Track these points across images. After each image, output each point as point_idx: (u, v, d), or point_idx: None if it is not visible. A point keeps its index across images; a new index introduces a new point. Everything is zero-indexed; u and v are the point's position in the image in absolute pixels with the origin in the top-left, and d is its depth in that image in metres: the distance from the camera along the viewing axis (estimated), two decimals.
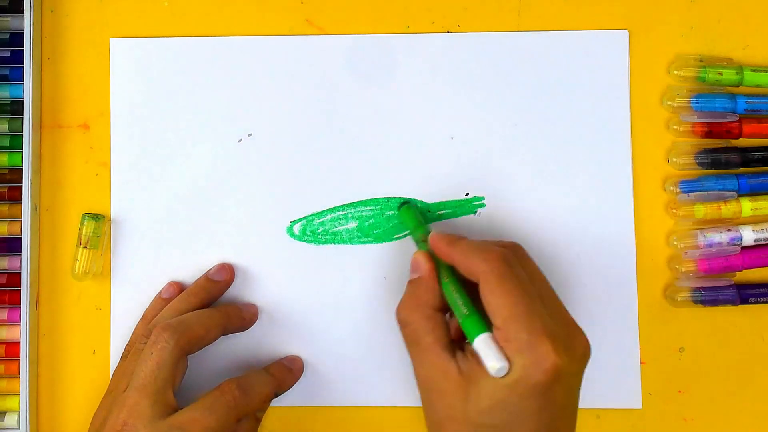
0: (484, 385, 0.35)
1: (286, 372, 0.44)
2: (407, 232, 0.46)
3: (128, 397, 0.39)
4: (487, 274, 0.36)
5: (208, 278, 0.45)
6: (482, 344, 0.36)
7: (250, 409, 0.41)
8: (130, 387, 0.39)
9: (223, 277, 0.45)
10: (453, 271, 0.39)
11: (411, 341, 0.38)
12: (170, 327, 0.40)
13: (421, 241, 0.42)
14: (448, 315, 0.39)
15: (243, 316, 0.45)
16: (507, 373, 0.35)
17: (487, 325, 0.36)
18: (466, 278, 0.38)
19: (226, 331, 0.43)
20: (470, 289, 0.38)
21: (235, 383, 0.40)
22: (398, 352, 0.46)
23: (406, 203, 0.45)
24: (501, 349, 0.35)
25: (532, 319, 0.35)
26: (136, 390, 0.39)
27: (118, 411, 0.39)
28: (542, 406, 0.35)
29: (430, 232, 0.42)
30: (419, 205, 0.46)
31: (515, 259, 0.38)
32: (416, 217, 0.44)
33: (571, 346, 0.36)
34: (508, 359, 0.35)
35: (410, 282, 0.40)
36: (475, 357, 0.36)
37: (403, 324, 0.39)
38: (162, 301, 0.45)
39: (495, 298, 0.36)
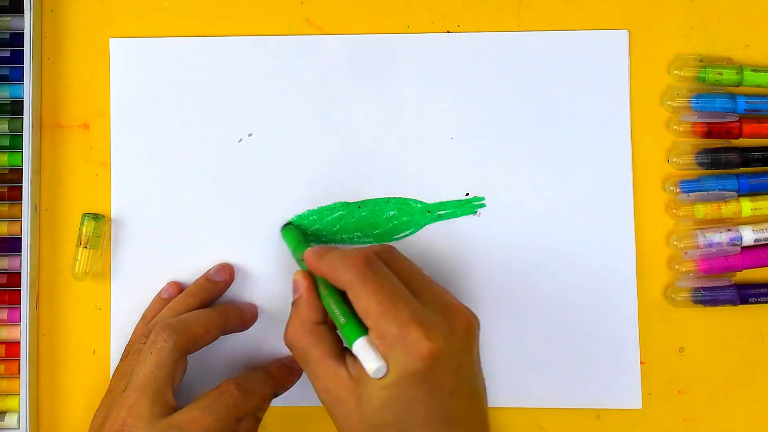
0: (372, 386, 0.35)
1: (285, 372, 0.44)
2: (406, 232, 0.46)
3: (128, 397, 0.39)
4: (351, 281, 0.37)
5: (207, 278, 0.45)
6: (359, 348, 0.36)
7: (249, 408, 0.41)
8: (130, 386, 0.39)
9: (222, 277, 0.45)
10: (329, 284, 0.39)
11: (302, 359, 0.39)
12: (169, 327, 0.40)
13: (301, 260, 0.42)
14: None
15: (243, 316, 0.45)
16: (387, 371, 0.35)
17: (364, 329, 0.36)
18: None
19: (226, 330, 0.43)
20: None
21: (234, 383, 0.40)
22: None
23: (287, 225, 0.46)
24: (377, 349, 0.35)
25: (398, 311, 0.35)
26: (135, 389, 0.39)
27: (118, 411, 0.39)
28: (428, 393, 0.35)
29: None
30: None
31: (377, 260, 0.38)
32: (296, 237, 0.44)
33: (449, 327, 0.36)
34: (385, 357, 0.35)
35: (292, 303, 0.40)
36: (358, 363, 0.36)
37: (291, 346, 0.39)
38: (162, 301, 0.45)
39: (362, 301, 0.36)
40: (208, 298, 0.45)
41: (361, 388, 0.36)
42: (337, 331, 0.39)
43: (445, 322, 0.36)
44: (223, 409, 0.39)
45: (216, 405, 0.39)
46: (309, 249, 0.40)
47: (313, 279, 0.40)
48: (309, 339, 0.38)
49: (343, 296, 0.38)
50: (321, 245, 0.41)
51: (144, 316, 0.45)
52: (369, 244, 0.41)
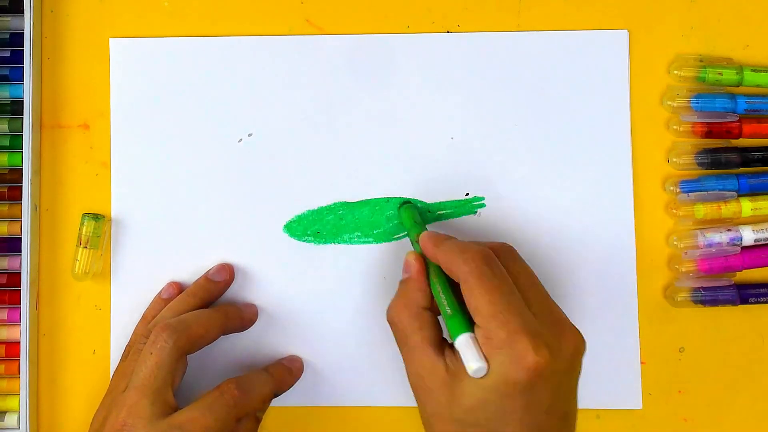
0: (468, 383, 0.35)
1: (285, 372, 0.44)
2: (405, 232, 0.46)
3: (128, 397, 0.39)
4: (467, 274, 0.36)
5: (207, 278, 0.45)
6: (463, 344, 0.36)
7: (249, 409, 0.41)
8: (130, 387, 0.39)
9: (222, 277, 0.45)
10: (442, 271, 0.39)
11: (400, 340, 0.39)
12: (169, 327, 0.40)
13: (415, 242, 0.42)
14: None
15: (243, 316, 0.45)
16: (487, 373, 0.35)
17: (471, 325, 0.36)
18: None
19: (226, 330, 0.43)
20: (459, 289, 0.38)
21: (234, 383, 0.40)
22: (398, 352, 0.46)
23: (406, 203, 0.45)
24: (481, 349, 0.35)
25: (511, 316, 0.35)
26: (135, 390, 0.39)
27: (118, 411, 0.39)
28: (525, 406, 0.35)
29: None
30: (419, 205, 0.46)
31: (495, 259, 0.38)
32: (413, 217, 0.44)
33: (557, 345, 0.35)
34: (487, 359, 0.35)
35: (401, 282, 0.40)
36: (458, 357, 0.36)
37: (393, 323, 0.39)
38: (162, 301, 0.45)
39: (474, 298, 0.36)
40: (208, 298, 0.45)
41: (456, 383, 0.36)
42: (440, 319, 0.38)
43: (554, 339, 0.36)
44: (223, 409, 0.39)
45: (216, 405, 0.39)
46: (426, 233, 0.41)
47: (424, 262, 0.40)
48: (412, 322, 0.38)
49: (452, 287, 0.38)
50: (437, 232, 0.41)
51: (144, 317, 0.45)
52: (484, 241, 0.40)
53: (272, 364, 0.44)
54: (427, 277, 0.40)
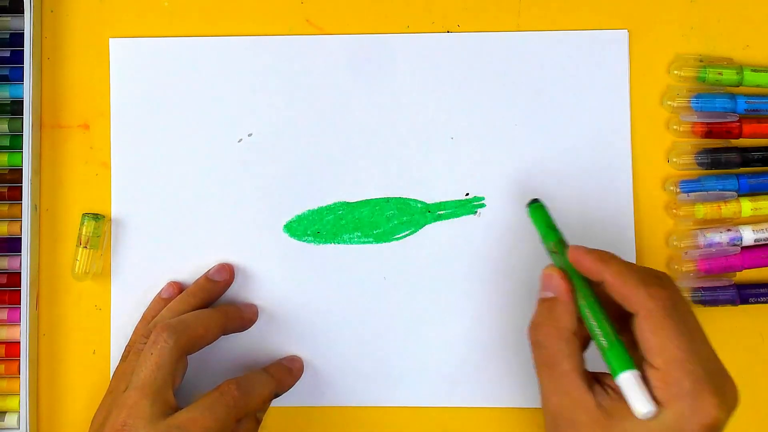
0: (629, 425, 0.33)
1: (285, 372, 0.44)
2: (406, 233, 0.46)
3: (128, 397, 0.39)
4: (653, 311, 0.34)
5: (207, 278, 0.45)
6: (630, 383, 0.34)
7: (249, 409, 0.41)
8: (130, 387, 0.39)
9: (222, 277, 0.45)
10: (592, 293, 0.37)
11: (546, 365, 0.37)
12: (170, 327, 0.40)
13: (553, 252, 0.40)
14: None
15: (243, 316, 0.45)
16: (658, 418, 0.33)
17: (632, 361, 0.34)
18: (602, 298, 0.37)
19: (226, 330, 0.43)
20: (612, 314, 0.36)
21: (234, 383, 0.40)
22: (398, 352, 0.46)
23: (535, 201, 0.42)
24: (650, 390, 0.33)
25: (697, 366, 0.33)
26: (136, 390, 0.39)
27: (118, 411, 0.39)
28: None
29: (563, 241, 0.40)
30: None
31: (679, 297, 0.35)
32: (547, 221, 0.41)
33: (727, 398, 0.34)
34: (658, 402, 0.33)
35: (544, 301, 0.38)
36: (617, 393, 0.34)
37: (538, 346, 0.37)
38: (162, 301, 0.45)
39: (658, 338, 0.34)
40: (208, 298, 0.45)
41: (612, 422, 0.34)
42: (592, 345, 0.37)
43: (725, 391, 0.34)
44: (224, 409, 0.39)
45: (216, 405, 0.39)
46: (580, 247, 0.38)
47: (571, 280, 0.38)
48: (562, 347, 0.36)
49: (603, 310, 0.36)
50: (586, 247, 0.38)
51: (144, 317, 0.45)
52: (644, 267, 0.37)
53: (272, 365, 0.44)
54: (575, 299, 0.37)
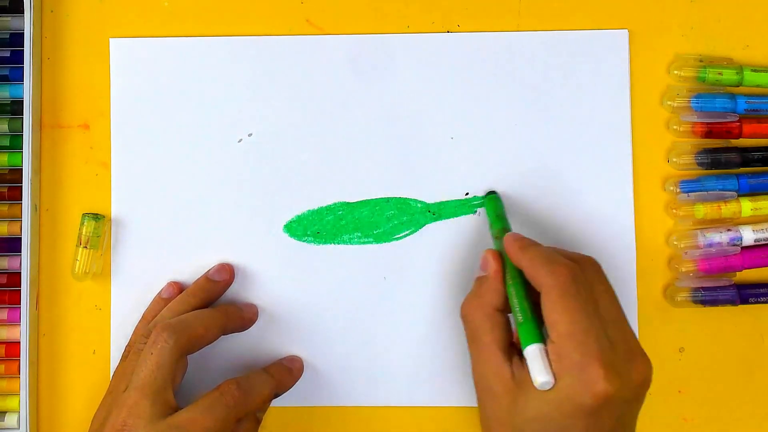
0: (532, 395, 0.35)
1: (285, 372, 0.44)
2: (406, 233, 0.46)
3: (128, 397, 0.39)
4: (550, 288, 0.36)
5: (207, 278, 0.45)
6: (532, 355, 0.35)
7: (249, 409, 0.41)
8: (130, 387, 0.39)
9: (222, 277, 0.45)
10: (520, 275, 0.39)
11: (471, 338, 0.39)
12: (169, 327, 0.40)
13: (496, 237, 0.42)
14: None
15: (243, 316, 0.45)
16: (553, 389, 0.35)
17: (542, 335, 0.36)
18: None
19: (226, 330, 0.43)
20: (536, 295, 0.38)
21: (234, 383, 0.40)
22: (398, 352, 0.46)
23: (491, 193, 0.45)
24: (550, 363, 0.35)
25: (588, 340, 0.35)
26: (135, 390, 0.39)
27: (118, 411, 0.39)
28: (586, 428, 0.35)
29: (507, 229, 0.42)
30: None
31: (582, 276, 0.37)
32: (498, 210, 0.44)
33: (627, 373, 0.35)
34: (555, 375, 0.35)
35: (477, 279, 0.41)
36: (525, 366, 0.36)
37: (465, 320, 0.40)
38: (162, 301, 0.45)
39: (554, 314, 0.36)
40: (208, 298, 0.45)
41: (519, 391, 0.36)
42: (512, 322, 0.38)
43: (625, 367, 0.35)
44: (224, 409, 0.39)
45: (216, 405, 0.39)
46: (512, 234, 0.41)
47: (503, 262, 0.40)
48: (484, 322, 0.38)
49: (529, 293, 0.38)
50: (522, 235, 0.41)
51: (144, 317, 0.45)
52: (570, 252, 0.40)
53: (272, 365, 0.44)
54: (504, 278, 0.39)
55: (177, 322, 0.41)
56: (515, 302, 0.38)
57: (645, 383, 0.36)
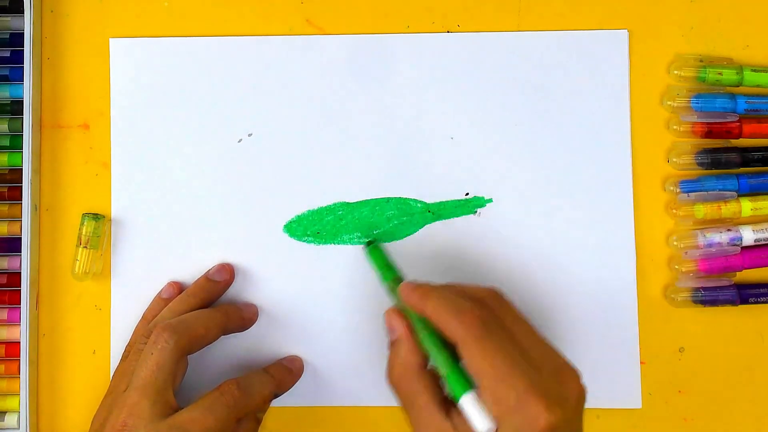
0: None
1: (285, 372, 0.44)
2: (408, 234, 0.46)
3: (128, 397, 0.39)
4: (465, 338, 0.36)
5: (207, 278, 0.45)
6: (468, 405, 0.35)
7: (249, 409, 0.41)
8: (130, 387, 0.39)
9: (222, 277, 0.45)
10: (428, 323, 0.38)
11: (406, 403, 0.37)
12: (170, 327, 0.40)
13: (391, 290, 0.41)
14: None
15: (243, 316, 0.45)
16: None
17: (471, 382, 0.35)
18: None
19: (226, 330, 0.43)
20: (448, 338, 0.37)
21: (235, 383, 0.40)
22: None
23: (371, 243, 0.45)
24: (487, 408, 0.34)
25: (517, 379, 0.34)
26: (136, 390, 0.39)
27: (118, 411, 0.39)
28: None
29: (400, 279, 0.41)
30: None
31: (491, 315, 0.37)
32: (384, 259, 0.43)
33: (564, 397, 0.35)
34: (496, 420, 0.34)
35: (391, 344, 0.39)
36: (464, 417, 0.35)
37: (396, 389, 0.38)
38: (162, 301, 0.45)
39: (476, 362, 0.35)
40: (208, 299, 0.45)
41: None
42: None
43: (560, 390, 0.35)
44: (224, 409, 0.39)
45: (216, 405, 0.39)
46: (406, 285, 0.39)
47: (408, 317, 0.39)
48: (414, 385, 0.37)
49: (441, 338, 0.37)
50: (416, 281, 0.40)
51: (144, 317, 0.45)
52: (469, 286, 0.39)
53: (272, 365, 0.44)
54: (415, 334, 0.38)
55: (177, 323, 0.41)
56: (434, 355, 0.37)
57: (581, 396, 0.36)
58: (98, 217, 0.45)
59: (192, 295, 0.44)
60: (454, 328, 0.36)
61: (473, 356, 0.35)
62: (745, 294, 0.45)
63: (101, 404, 0.42)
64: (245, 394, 0.40)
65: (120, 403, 0.39)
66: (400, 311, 0.39)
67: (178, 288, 0.45)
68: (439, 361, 0.37)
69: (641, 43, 0.46)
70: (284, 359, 0.45)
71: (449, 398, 0.37)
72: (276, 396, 0.43)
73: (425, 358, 0.38)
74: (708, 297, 0.45)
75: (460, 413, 0.35)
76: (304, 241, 0.46)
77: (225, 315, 0.43)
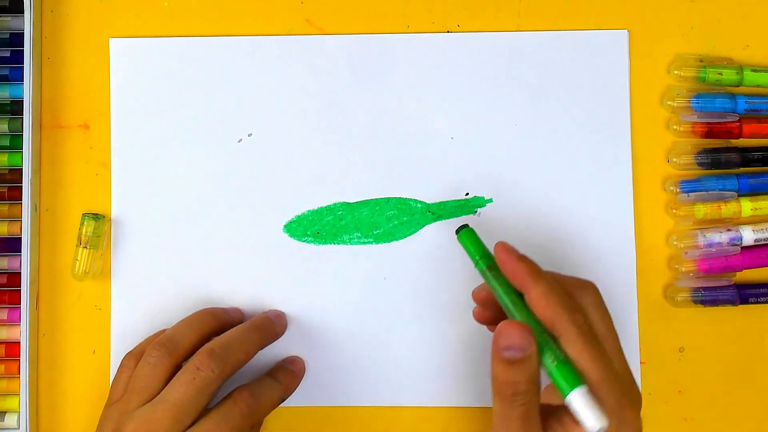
0: None
1: (290, 376, 0.44)
2: (405, 235, 0.46)
3: (155, 411, 0.39)
4: (574, 336, 0.35)
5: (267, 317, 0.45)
6: (579, 399, 0.33)
7: (262, 416, 0.41)
8: (161, 400, 0.39)
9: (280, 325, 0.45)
10: (525, 305, 0.36)
11: (522, 418, 0.35)
12: (215, 355, 0.40)
13: (493, 278, 0.38)
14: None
15: (276, 331, 0.45)
16: None
17: (580, 377, 0.34)
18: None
19: (261, 348, 0.43)
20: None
21: (248, 391, 0.40)
22: (397, 353, 0.46)
23: (465, 227, 0.40)
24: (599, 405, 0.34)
25: (616, 385, 0.34)
26: (165, 404, 0.39)
27: (136, 425, 0.38)
28: None
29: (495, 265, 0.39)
30: (419, 205, 0.45)
31: (598, 318, 0.37)
32: (479, 244, 0.40)
33: (639, 408, 0.36)
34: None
35: (513, 362, 0.35)
36: (563, 426, 0.35)
37: (519, 403, 0.35)
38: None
39: (583, 361, 0.34)
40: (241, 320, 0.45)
41: None
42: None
43: (636, 399, 0.36)
44: (239, 417, 0.40)
45: (231, 414, 0.39)
46: (511, 252, 0.37)
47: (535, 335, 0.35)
48: (536, 398, 0.35)
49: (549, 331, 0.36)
50: (522, 254, 0.37)
51: (160, 333, 0.44)
52: (571, 279, 0.38)
53: (277, 369, 0.44)
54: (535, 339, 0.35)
55: (222, 351, 0.40)
56: (545, 346, 0.35)
57: (640, 408, 0.37)
58: (98, 217, 0.45)
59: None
60: (564, 323, 0.35)
61: (580, 354, 0.35)
62: (745, 294, 0.45)
63: (104, 416, 0.41)
64: (258, 401, 0.41)
65: (137, 417, 0.39)
66: (530, 327, 0.35)
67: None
68: (548, 353, 0.35)
69: (641, 43, 0.46)
70: (285, 361, 0.45)
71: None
72: (282, 400, 0.43)
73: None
74: (708, 297, 0.45)
75: (552, 427, 0.35)
76: (304, 241, 0.46)
77: (262, 334, 0.43)
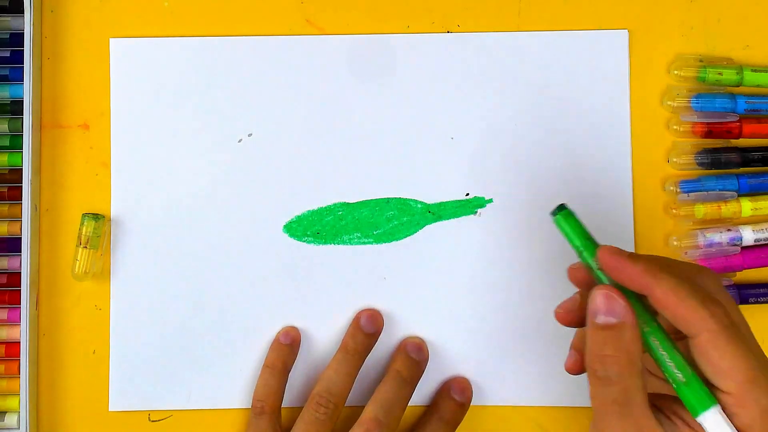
0: None
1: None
2: (406, 235, 0.46)
3: None
4: (716, 333, 0.31)
5: (358, 329, 0.45)
6: (715, 422, 0.30)
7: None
8: None
9: (375, 327, 0.45)
10: (652, 315, 0.33)
11: (617, 402, 0.32)
12: (381, 424, 0.42)
13: (598, 268, 0.34)
14: None
15: (420, 373, 0.45)
16: None
17: (712, 394, 0.31)
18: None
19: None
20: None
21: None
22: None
23: (562, 208, 0.36)
24: (731, 420, 0.30)
25: (766, 380, 0.30)
26: None
27: None
28: None
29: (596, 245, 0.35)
30: (419, 205, 0.45)
31: (735, 308, 0.33)
32: (582, 230, 0.35)
33: None
34: (747, 427, 0.30)
35: (606, 327, 0.32)
36: (683, 420, 0.32)
37: (608, 382, 0.32)
38: (282, 347, 0.45)
39: (728, 361, 0.30)
40: (365, 354, 0.45)
41: None
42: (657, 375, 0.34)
43: None
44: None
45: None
46: (619, 253, 0.33)
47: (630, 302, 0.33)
48: (636, 382, 0.32)
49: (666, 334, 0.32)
50: (636, 254, 0.33)
51: (266, 365, 0.45)
52: (683, 263, 0.35)
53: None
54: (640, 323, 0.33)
55: (386, 416, 0.42)
56: (665, 356, 0.32)
57: None
58: (98, 217, 0.45)
59: (353, 353, 0.44)
60: (701, 319, 0.31)
61: (724, 352, 0.31)
62: (745, 294, 0.45)
63: None
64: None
65: None
66: (620, 291, 0.33)
67: (295, 332, 0.45)
68: (674, 363, 0.32)
69: (641, 43, 0.46)
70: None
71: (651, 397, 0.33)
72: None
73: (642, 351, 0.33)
74: None
75: (669, 419, 0.32)
76: (303, 241, 0.46)
77: (412, 387, 0.44)
